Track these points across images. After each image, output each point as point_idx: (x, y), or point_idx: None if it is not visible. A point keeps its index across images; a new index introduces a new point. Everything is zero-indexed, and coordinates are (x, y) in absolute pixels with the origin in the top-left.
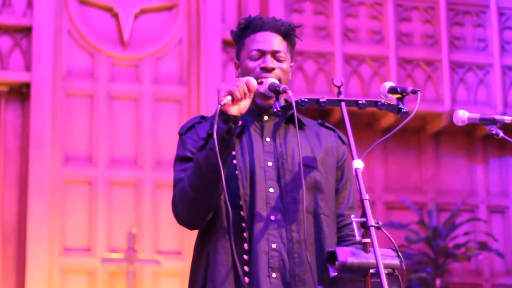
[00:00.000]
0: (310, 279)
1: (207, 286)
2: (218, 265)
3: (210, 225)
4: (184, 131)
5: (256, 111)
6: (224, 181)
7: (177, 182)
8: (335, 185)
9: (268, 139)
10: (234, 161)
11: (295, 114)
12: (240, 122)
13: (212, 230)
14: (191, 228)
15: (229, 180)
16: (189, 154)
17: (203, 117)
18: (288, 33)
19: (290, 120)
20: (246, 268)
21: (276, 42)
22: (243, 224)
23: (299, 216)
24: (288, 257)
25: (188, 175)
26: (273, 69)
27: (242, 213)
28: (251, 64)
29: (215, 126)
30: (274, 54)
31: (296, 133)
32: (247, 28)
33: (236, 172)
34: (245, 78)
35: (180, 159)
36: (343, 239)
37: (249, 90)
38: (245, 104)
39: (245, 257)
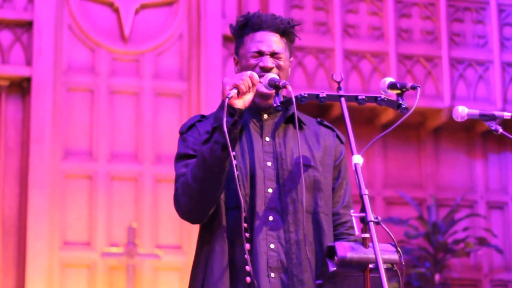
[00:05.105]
0: (309, 278)
1: (205, 284)
2: (214, 263)
3: (209, 223)
4: (185, 130)
5: (256, 110)
6: (235, 171)
7: (179, 177)
8: (332, 184)
9: (267, 139)
10: (235, 162)
11: (295, 110)
12: None
13: (211, 229)
14: (192, 222)
15: (229, 181)
16: (191, 152)
17: (203, 116)
18: (286, 31)
19: (289, 119)
20: (247, 268)
21: (274, 42)
22: (245, 224)
23: (297, 217)
24: (286, 257)
25: (192, 168)
26: (272, 68)
27: (244, 213)
28: (250, 63)
29: (224, 119)
30: (273, 54)
31: (297, 133)
32: (245, 26)
33: (237, 172)
34: (249, 72)
35: (181, 156)
36: (338, 237)
37: (252, 84)
38: (249, 98)
39: (247, 257)
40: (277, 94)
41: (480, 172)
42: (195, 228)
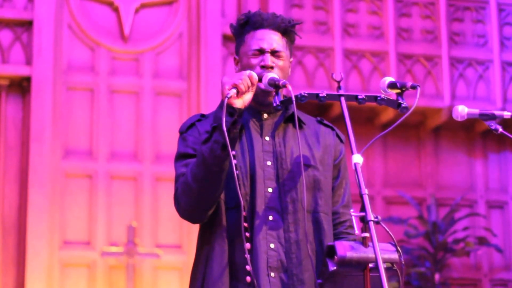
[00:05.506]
0: (309, 278)
1: (205, 283)
2: (214, 263)
3: (209, 223)
4: (185, 129)
5: (256, 109)
6: (234, 171)
7: (179, 176)
8: (332, 183)
9: (267, 138)
10: (235, 161)
11: (295, 109)
12: None
13: (211, 228)
14: (192, 221)
15: (229, 180)
16: (190, 151)
17: (203, 115)
18: (287, 30)
19: (289, 119)
20: (248, 267)
21: (275, 40)
22: (245, 224)
23: (297, 216)
24: (286, 257)
25: (192, 168)
26: (272, 67)
27: (244, 213)
28: (251, 62)
29: (224, 119)
30: (274, 53)
31: (297, 132)
32: (246, 24)
33: (237, 172)
34: (248, 72)
35: (181, 156)
36: (337, 236)
37: (251, 83)
38: (248, 97)
39: (247, 256)
40: (277, 93)
41: (480, 171)
42: (195, 228)
